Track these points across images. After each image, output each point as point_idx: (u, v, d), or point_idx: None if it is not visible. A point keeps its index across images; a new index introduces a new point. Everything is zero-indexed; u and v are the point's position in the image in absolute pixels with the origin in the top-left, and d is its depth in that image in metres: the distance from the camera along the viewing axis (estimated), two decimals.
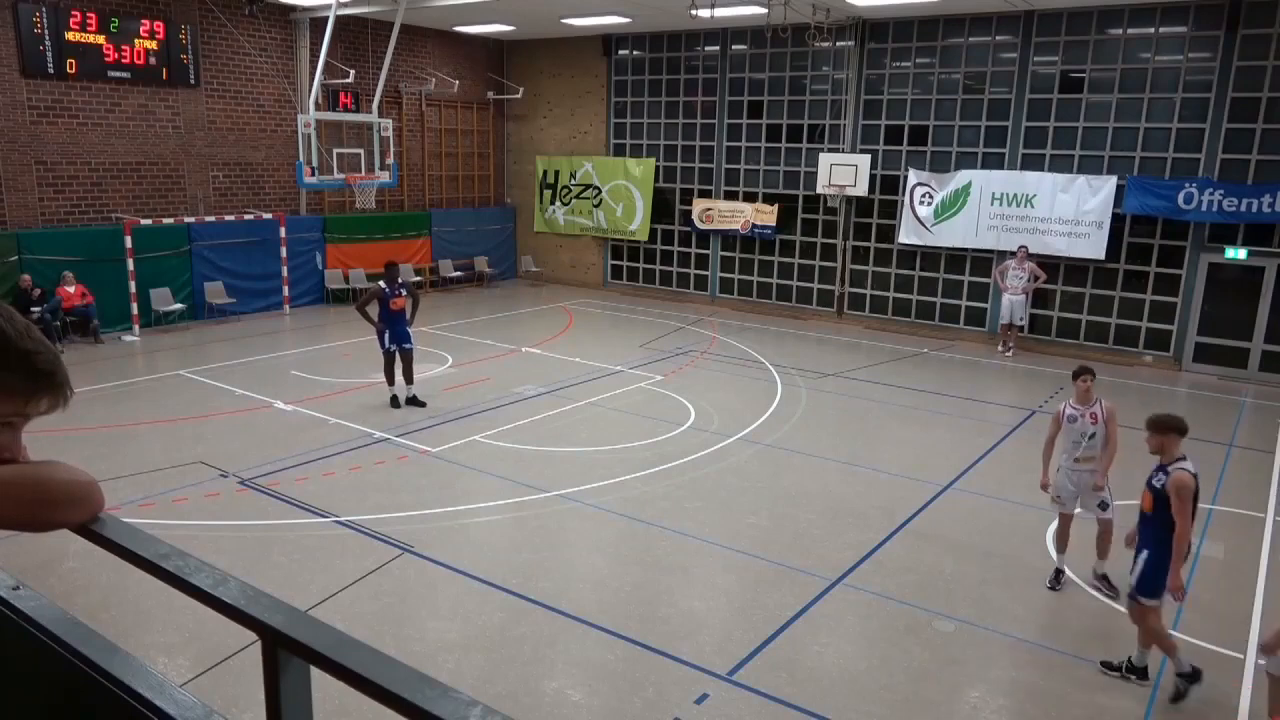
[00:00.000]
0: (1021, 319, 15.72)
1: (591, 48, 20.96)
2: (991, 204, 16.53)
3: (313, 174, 15.80)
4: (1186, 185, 14.66)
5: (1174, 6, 14.78)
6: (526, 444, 10.46)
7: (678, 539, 8.12)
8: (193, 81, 16.60)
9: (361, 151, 17.02)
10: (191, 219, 16.71)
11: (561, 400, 12.30)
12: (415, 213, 21.01)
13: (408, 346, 11.71)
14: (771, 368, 14.52)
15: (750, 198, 19.51)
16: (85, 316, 14.91)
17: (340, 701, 4.48)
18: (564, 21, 18.88)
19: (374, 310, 11.58)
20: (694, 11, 15.07)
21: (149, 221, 15.98)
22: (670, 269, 21.20)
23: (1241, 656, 6.37)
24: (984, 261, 17.08)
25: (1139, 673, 6.03)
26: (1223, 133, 14.61)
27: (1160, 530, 5.87)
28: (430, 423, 11.13)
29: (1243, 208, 14.29)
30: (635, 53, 20.64)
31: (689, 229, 20.50)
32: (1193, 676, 5.80)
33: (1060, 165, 16.03)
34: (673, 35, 19.85)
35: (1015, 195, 16.28)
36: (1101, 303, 16.10)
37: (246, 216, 17.48)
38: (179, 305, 16.49)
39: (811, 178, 18.32)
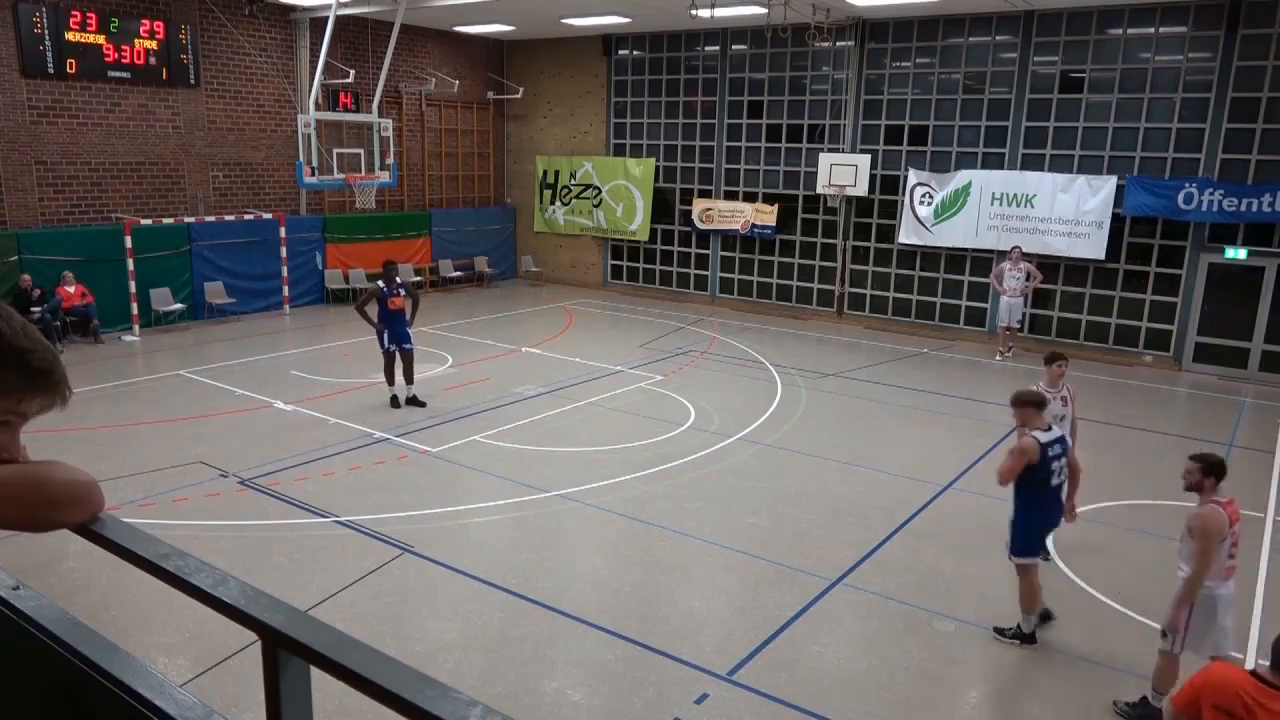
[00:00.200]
0: (1019, 321, 15.66)
1: (591, 48, 20.96)
2: (991, 204, 16.53)
3: (313, 174, 15.81)
4: (1186, 185, 14.67)
5: (1174, 6, 14.79)
6: (526, 444, 10.46)
7: (678, 539, 8.12)
8: (193, 81, 16.60)
9: (361, 151, 17.02)
10: (191, 219, 16.71)
11: (561, 400, 12.30)
12: (415, 213, 21.02)
13: (407, 346, 11.71)
14: (771, 368, 14.52)
15: (750, 198, 19.52)
16: (85, 316, 14.92)
17: (340, 701, 4.47)
18: (564, 21, 18.89)
19: (373, 310, 11.58)
20: (694, 11, 15.07)
21: (149, 221, 15.98)
22: (670, 269, 21.20)
23: (1241, 657, 6.37)
24: (984, 261, 17.08)
25: (1027, 638, 6.48)
26: (1223, 133, 14.61)
27: (1022, 493, 6.44)
28: (430, 423, 11.13)
29: (1243, 208, 14.29)
30: (635, 53, 20.64)
31: (689, 229, 20.51)
32: (1031, 638, 6.47)
33: (1060, 165, 16.03)
34: (673, 35, 19.85)
35: (1015, 195, 16.28)
36: (1101, 303, 16.10)
37: (246, 216, 17.49)
38: (179, 305, 16.50)
39: (811, 178, 18.33)
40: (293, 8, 17.64)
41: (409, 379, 11.83)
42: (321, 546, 7.76)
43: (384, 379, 11.87)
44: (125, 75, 15.64)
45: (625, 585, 7.29)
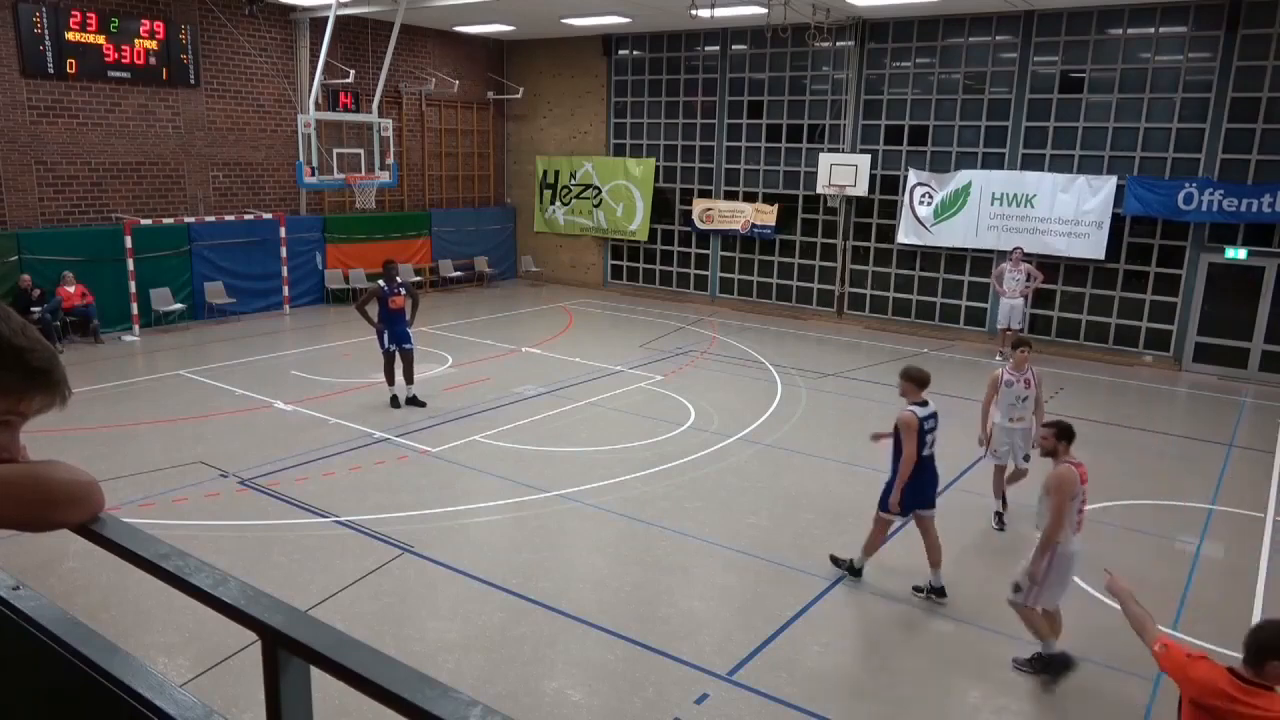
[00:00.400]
0: (1020, 323, 15.51)
1: (591, 48, 20.96)
2: (991, 204, 16.52)
3: (313, 174, 15.81)
4: (1186, 185, 14.67)
5: (1174, 6, 14.79)
6: (526, 444, 10.46)
7: (678, 539, 8.12)
8: (193, 81, 16.60)
9: (361, 151, 17.02)
10: (191, 219, 16.71)
11: (561, 400, 12.30)
12: (415, 213, 21.02)
13: (407, 346, 11.71)
14: (771, 368, 14.53)
15: (750, 198, 19.52)
16: (85, 316, 14.92)
17: (340, 701, 4.46)
18: (564, 21, 18.89)
19: (373, 310, 11.58)
20: (694, 11, 15.07)
21: (149, 221, 15.98)
22: (670, 269, 21.20)
23: (1241, 656, 6.36)
24: (984, 261, 17.08)
25: (937, 592, 7.06)
26: (1223, 133, 14.61)
27: (896, 458, 7.04)
28: (430, 423, 11.13)
29: (1243, 208, 14.29)
30: (635, 53, 20.65)
31: (689, 229, 20.51)
32: (857, 573, 7.33)
33: (1060, 165, 16.03)
34: (673, 35, 19.85)
35: (1015, 195, 16.28)
36: (1101, 303, 16.10)
37: (246, 216, 17.49)
38: (179, 305, 16.50)
39: (811, 178, 18.33)
40: (293, 8, 17.65)
41: (409, 379, 11.83)
42: (321, 546, 7.76)
43: (384, 379, 11.87)
44: (125, 75, 15.64)
45: (625, 585, 7.29)
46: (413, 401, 11.77)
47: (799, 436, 11.10)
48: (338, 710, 4.17)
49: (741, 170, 19.60)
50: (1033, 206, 16.11)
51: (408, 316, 11.68)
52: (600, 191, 21.54)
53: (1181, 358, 15.46)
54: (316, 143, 15.69)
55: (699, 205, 20.15)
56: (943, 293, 17.74)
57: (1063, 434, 6.11)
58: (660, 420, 11.50)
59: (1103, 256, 15.63)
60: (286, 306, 18.30)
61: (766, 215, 19.24)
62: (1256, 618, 6.98)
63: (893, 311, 18.30)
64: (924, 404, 7.06)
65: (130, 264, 15.64)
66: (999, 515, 8.65)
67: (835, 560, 7.52)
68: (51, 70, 14.75)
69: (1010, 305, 15.42)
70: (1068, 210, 15.77)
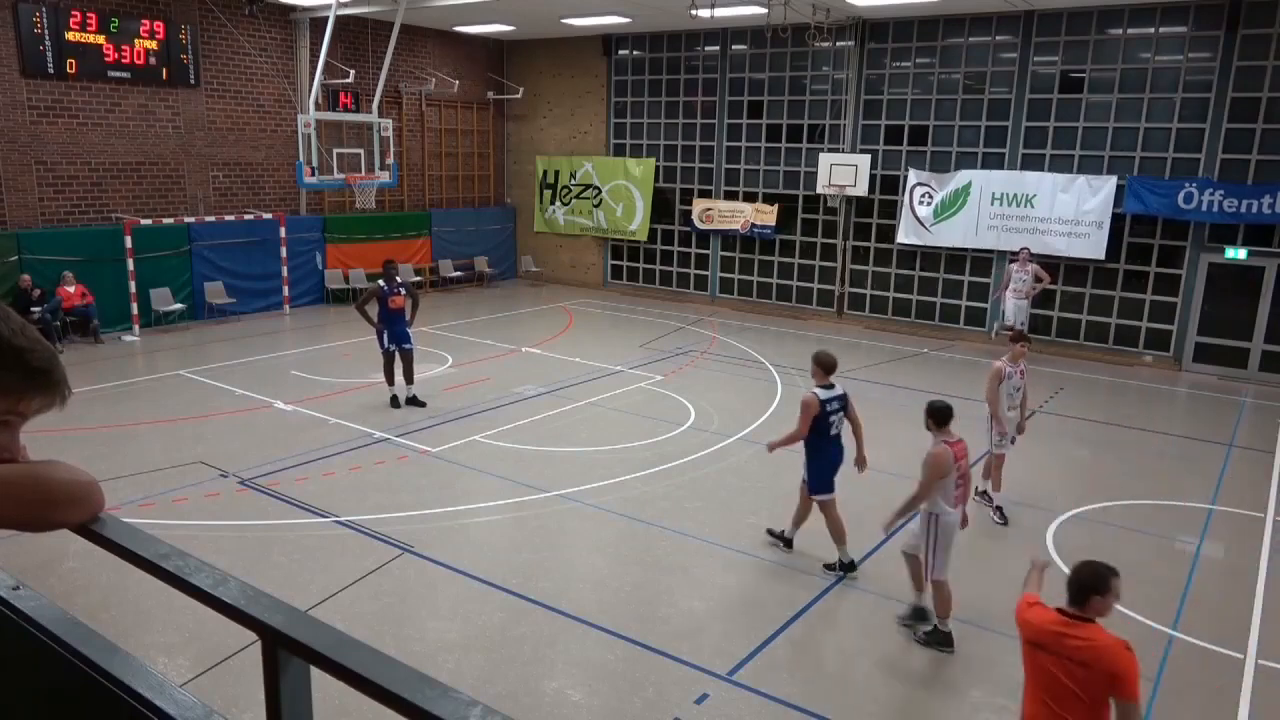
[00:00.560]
0: (1022, 323, 15.43)
1: (591, 48, 20.96)
2: (991, 204, 16.52)
3: (313, 174, 15.81)
4: (1186, 185, 14.67)
5: (1174, 6, 14.79)
6: (526, 444, 10.46)
7: (678, 539, 8.12)
8: (193, 81, 16.60)
9: (361, 151, 17.02)
10: (191, 219, 16.71)
11: (561, 400, 12.30)
12: (415, 213, 21.02)
13: (407, 346, 11.70)
14: (771, 368, 14.53)
15: (750, 198, 19.52)
16: (85, 316, 14.92)
17: (340, 701, 4.47)
18: (564, 21, 18.89)
19: (373, 309, 11.58)
20: (694, 11, 15.07)
21: (149, 221, 15.98)
22: (670, 269, 21.20)
23: (1241, 656, 6.37)
24: (984, 261, 17.08)
25: (846, 568, 7.44)
26: (1223, 133, 14.61)
27: (809, 442, 7.48)
28: (430, 423, 11.13)
29: (1243, 208, 14.29)
30: (635, 53, 20.64)
31: (689, 229, 20.51)
32: (850, 567, 7.50)
33: (1060, 165, 16.03)
34: (673, 35, 19.85)
35: (1015, 195, 16.28)
36: (1101, 303, 16.09)
37: (246, 216, 17.49)
38: (179, 305, 16.50)
39: (811, 178, 18.33)
40: (293, 8, 17.65)
41: (409, 379, 11.83)
42: (321, 546, 7.76)
43: (384, 379, 11.87)
44: (125, 75, 15.64)
45: (625, 585, 7.29)
46: (413, 401, 11.77)
47: None
48: (338, 710, 4.17)
49: (741, 170, 19.60)
50: (1033, 206, 16.11)
51: (407, 316, 11.69)
52: (600, 191, 21.53)
53: (1181, 358, 15.46)
54: (316, 143, 15.69)
55: (699, 205, 20.15)
56: (943, 293, 17.74)
57: (929, 414, 6.44)
58: (660, 420, 11.50)
59: (1103, 256, 15.63)
60: (286, 306, 18.30)
61: (766, 215, 19.23)
62: (1257, 617, 6.99)
63: (893, 311, 18.30)
64: (830, 387, 7.44)
65: (130, 264, 15.64)
66: (1000, 509, 8.72)
67: (831, 567, 7.56)
68: (51, 70, 14.75)
69: (1017, 305, 15.38)
70: (1068, 210, 15.76)
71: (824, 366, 7.46)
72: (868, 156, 17.60)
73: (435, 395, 12.14)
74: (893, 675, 6.13)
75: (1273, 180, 14.18)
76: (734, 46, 19.21)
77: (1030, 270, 15.22)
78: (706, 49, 19.54)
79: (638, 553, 7.88)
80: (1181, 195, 14.68)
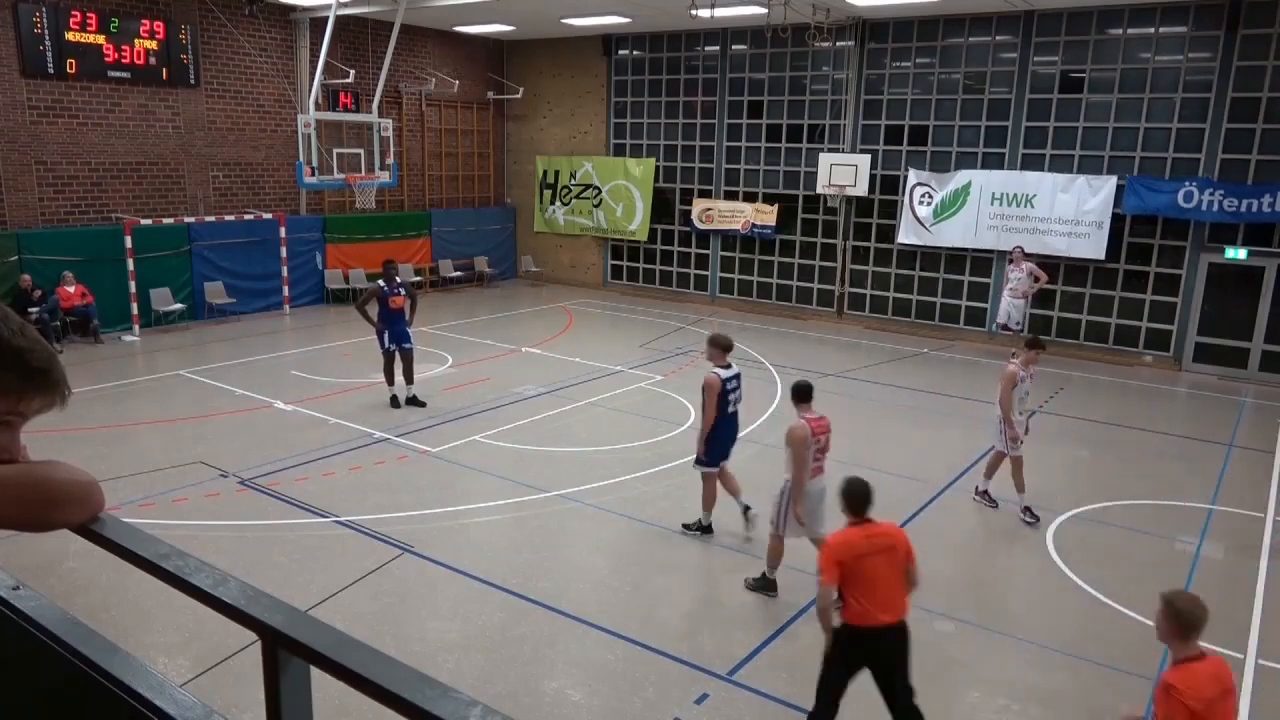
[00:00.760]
0: (1019, 323, 15.40)
1: (591, 48, 20.96)
2: (991, 204, 16.52)
3: (313, 174, 15.80)
4: (1186, 185, 14.66)
5: (1174, 6, 14.79)
6: (526, 444, 10.46)
7: (678, 539, 8.12)
8: (193, 81, 16.60)
9: (361, 151, 17.02)
10: (191, 219, 16.71)
11: (561, 400, 12.30)
12: (415, 213, 21.02)
13: (407, 346, 11.71)
14: (771, 368, 14.52)
15: (750, 198, 19.52)
16: (85, 316, 14.92)
17: (340, 701, 4.46)
18: (564, 21, 18.89)
19: (373, 309, 11.58)
20: (694, 11, 15.07)
21: (149, 221, 15.98)
22: (670, 269, 21.20)
23: (1241, 656, 6.37)
24: (984, 261, 17.08)
25: (706, 530, 8.07)
26: (1223, 133, 14.61)
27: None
28: (430, 423, 11.13)
29: (1243, 208, 14.29)
30: (635, 53, 20.64)
31: (689, 229, 20.51)
32: (707, 530, 8.14)
33: (1060, 165, 16.03)
34: (673, 35, 19.85)
35: (1015, 195, 16.27)
36: (1101, 303, 16.10)
37: (246, 216, 17.49)
38: (179, 305, 16.50)
39: (811, 178, 18.33)
40: (293, 8, 17.65)
41: (409, 379, 11.83)
42: (321, 546, 7.76)
43: (384, 379, 11.87)
44: (125, 75, 15.64)
45: (625, 585, 7.29)
46: (413, 401, 11.77)
47: None
48: (338, 710, 4.17)
49: (741, 170, 19.60)
50: (1033, 206, 16.11)
51: (407, 317, 11.69)
52: (600, 191, 21.53)
53: (1181, 358, 15.46)
54: (316, 143, 15.69)
55: (699, 205, 20.15)
56: (943, 293, 17.74)
57: (792, 394, 7.04)
58: (660, 420, 11.49)
59: (1103, 256, 15.63)
60: (286, 306, 18.30)
61: (766, 215, 19.23)
62: (1257, 617, 6.99)
63: (893, 311, 18.29)
64: (728, 367, 7.90)
65: (130, 264, 15.64)
66: (1029, 509, 8.69)
67: (686, 527, 8.16)
68: (51, 70, 14.75)
69: (1010, 303, 15.37)
70: (1068, 210, 15.76)
71: (722, 348, 7.95)
72: (868, 156, 17.60)
73: (435, 395, 12.14)
74: None
75: (1273, 180, 14.18)
76: (734, 46, 19.21)
77: (1025, 269, 15.19)
78: (706, 49, 19.54)
79: (638, 553, 7.88)
80: (1181, 195, 14.68)
